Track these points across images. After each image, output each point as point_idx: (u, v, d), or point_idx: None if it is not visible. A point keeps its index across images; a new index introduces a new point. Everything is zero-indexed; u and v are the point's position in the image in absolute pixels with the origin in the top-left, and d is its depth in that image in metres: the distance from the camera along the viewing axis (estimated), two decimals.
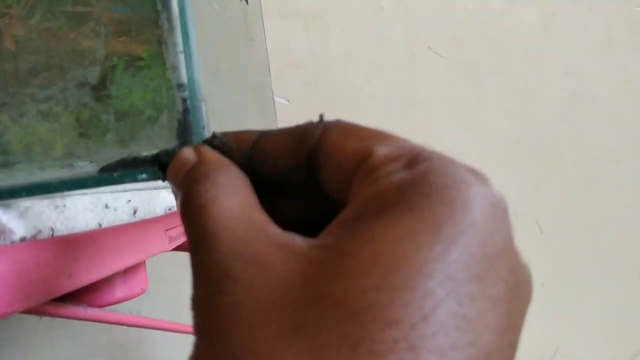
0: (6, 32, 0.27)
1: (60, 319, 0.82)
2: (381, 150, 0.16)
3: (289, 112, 0.84)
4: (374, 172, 0.16)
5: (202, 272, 0.18)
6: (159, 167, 0.23)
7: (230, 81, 0.33)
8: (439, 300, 0.13)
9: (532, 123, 0.86)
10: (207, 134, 0.23)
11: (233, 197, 0.18)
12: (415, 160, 0.16)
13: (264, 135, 0.20)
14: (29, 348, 0.82)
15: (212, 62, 0.28)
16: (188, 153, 0.21)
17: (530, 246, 0.86)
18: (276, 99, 0.84)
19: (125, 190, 0.41)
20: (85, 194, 0.33)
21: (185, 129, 0.23)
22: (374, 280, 0.13)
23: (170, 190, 0.56)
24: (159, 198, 0.49)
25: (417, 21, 0.86)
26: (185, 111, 0.23)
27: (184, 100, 0.23)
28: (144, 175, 0.23)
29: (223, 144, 0.22)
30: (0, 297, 0.21)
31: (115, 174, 0.23)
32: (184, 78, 0.23)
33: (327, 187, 0.19)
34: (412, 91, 0.85)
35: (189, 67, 0.24)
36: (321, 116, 0.20)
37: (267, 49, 0.57)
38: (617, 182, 0.87)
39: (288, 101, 0.84)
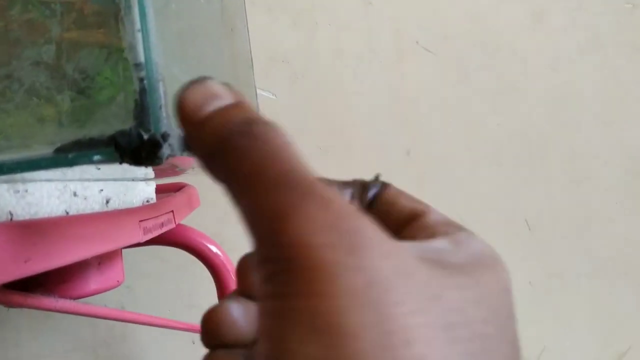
0: None
1: (41, 312, 0.82)
2: (434, 214, 0.22)
3: (276, 107, 0.83)
4: (431, 228, 0.21)
5: (308, 222, 0.15)
6: (115, 148, 0.22)
7: (201, 67, 0.32)
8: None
9: (520, 120, 0.86)
10: (165, 114, 0.23)
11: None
12: (461, 229, 0.21)
13: (335, 183, 0.24)
14: (9, 342, 0.81)
15: (177, 46, 0.27)
16: (219, 87, 0.19)
17: (518, 244, 0.86)
18: (263, 93, 0.83)
19: (97, 179, 0.40)
20: (51, 180, 0.32)
21: (142, 109, 0.23)
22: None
23: (149, 182, 0.55)
24: (136, 190, 0.48)
25: (405, 16, 0.85)
26: (143, 91, 0.23)
27: (141, 80, 0.23)
28: (99, 156, 0.23)
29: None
30: None
31: (70, 155, 0.23)
32: (141, 57, 0.23)
33: None
34: (400, 87, 0.85)
35: (146, 46, 0.23)
36: (377, 175, 0.25)
37: (249, 41, 0.56)
38: (605, 180, 0.86)
39: (275, 95, 0.84)
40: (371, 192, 0.24)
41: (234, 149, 0.17)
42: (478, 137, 0.86)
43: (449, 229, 0.20)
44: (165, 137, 0.22)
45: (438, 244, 0.19)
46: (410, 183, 0.85)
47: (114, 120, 0.23)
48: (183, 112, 0.19)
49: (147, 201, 0.50)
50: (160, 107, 0.23)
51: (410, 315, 0.14)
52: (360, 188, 0.24)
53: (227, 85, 0.20)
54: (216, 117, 0.18)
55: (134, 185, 0.48)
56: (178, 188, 0.64)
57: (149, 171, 0.47)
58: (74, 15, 0.24)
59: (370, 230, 0.15)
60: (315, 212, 0.15)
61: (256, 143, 0.17)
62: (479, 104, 0.86)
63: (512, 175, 0.86)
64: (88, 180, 0.38)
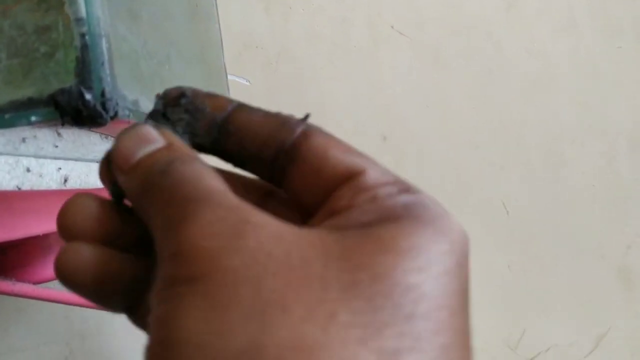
0: None
1: (13, 304, 0.80)
2: (374, 172, 0.18)
3: (250, 93, 0.82)
4: (372, 190, 0.18)
5: (208, 223, 0.16)
6: (55, 107, 0.21)
7: (155, 34, 0.31)
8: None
9: (496, 104, 0.86)
10: (109, 72, 0.22)
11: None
12: (408, 189, 0.18)
13: (241, 108, 0.20)
14: None
15: (124, 5, 0.26)
16: (150, 133, 0.19)
17: (496, 227, 0.85)
18: (237, 79, 0.82)
19: (56, 158, 0.39)
20: (1, 153, 0.31)
21: (83, 67, 0.21)
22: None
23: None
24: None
25: (380, 1, 0.84)
26: (84, 47, 0.22)
27: (82, 35, 0.22)
28: (37, 117, 0.21)
29: (192, 104, 0.19)
30: None
31: (7, 116, 0.22)
32: (83, 12, 0.22)
33: (292, 187, 0.19)
34: (376, 71, 0.84)
35: (89, 1, 0.22)
36: (307, 115, 0.19)
37: (219, 22, 0.55)
38: (581, 163, 0.87)
39: (249, 82, 0.82)
40: (294, 135, 0.19)
41: (152, 187, 0.17)
42: (454, 122, 0.85)
43: (393, 190, 0.18)
44: (106, 94, 0.21)
45: (363, 216, 0.17)
46: (387, 168, 0.84)
47: (54, 78, 0.22)
48: (115, 161, 0.19)
49: None
50: (103, 64, 0.21)
51: (287, 290, 0.14)
52: (280, 126, 0.19)
53: (158, 126, 0.19)
54: (143, 163, 0.18)
55: (96, 166, 0.46)
56: None
57: None
58: None
59: (258, 217, 0.16)
60: (207, 212, 0.16)
61: (170, 177, 0.17)
62: (455, 88, 0.85)
63: (489, 160, 0.86)
64: (44, 157, 0.36)
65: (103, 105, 0.21)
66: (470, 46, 0.85)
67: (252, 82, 0.82)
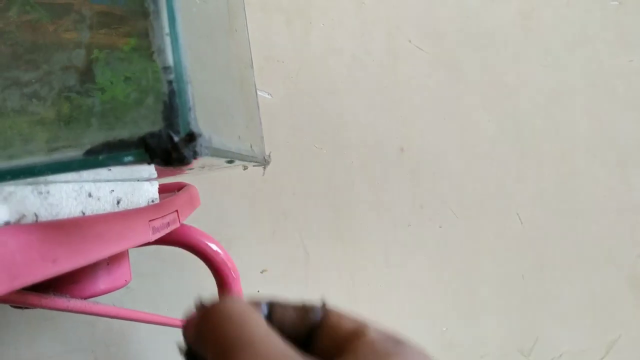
0: None
1: (40, 314, 0.82)
2: (373, 332, 0.25)
3: (271, 106, 0.84)
4: (371, 345, 0.24)
5: None
6: (145, 149, 0.23)
7: (213, 69, 0.33)
8: None
9: (511, 116, 0.87)
10: (194, 117, 0.23)
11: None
12: (398, 342, 0.24)
13: (275, 308, 0.28)
14: (7, 344, 0.81)
15: (196, 47, 0.28)
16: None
17: (510, 237, 0.87)
18: (259, 92, 0.83)
19: (108, 180, 0.41)
20: (69, 181, 0.33)
21: (171, 111, 0.23)
22: None
23: (152, 182, 0.55)
24: (141, 190, 0.49)
25: (398, 15, 0.86)
26: (171, 93, 0.23)
27: (170, 82, 0.23)
28: (130, 158, 0.23)
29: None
30: None
31: (100, 157, 0.23)
32: (170, 60, 0.23)
33: (319, 349, 0.26)
34: (394, 85, 0.86)
35: (175, 49, 0.24)
36: (324, 303, 0.28)
37: (249, 42, 0.57)
38: (594, 175, 0.88)
39: (270, 95, 0.84)
40: (315, 316, 0.27)
41: (204, 332, 0.24)
42: (470, 134, 0.87)
43: (388, 345, 0.24)
44: (194, 138, 0.23)
45: None
46: (404, 180, 0.86)
47: (143, 122, 0.24)
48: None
49: (152, 201, 0.51)
50: (190, 109, 0.23)
51: None
52: (303, 312, 0.27)
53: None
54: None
55: (139, 186, 0.48)
56: (179, 187, 0.64)
57: (152, 171, 0.48)
58: (103, 19, 0.24)
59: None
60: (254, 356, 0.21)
61: (218, 320, 0.24)
62: (471, 100, 0.87)
63: (504, 170, 0.88)
64: (100, 181, 0.38)
65: (189, 147, 0.23)
66: (486, 59, 0.87)
67: (274, 95, 0.84)
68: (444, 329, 0.88)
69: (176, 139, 0.23)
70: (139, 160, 0.23)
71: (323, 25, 0.85)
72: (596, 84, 0.89)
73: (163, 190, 0.61)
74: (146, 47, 0.24)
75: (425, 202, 0.87)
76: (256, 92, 0.58)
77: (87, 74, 0.24)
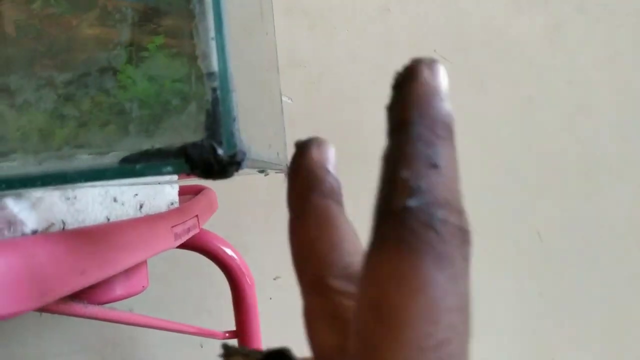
0: (6, 16, 0.26)
1: (47, 314, 0.80)
2: None
3: (292, 111, 0.83)
4: None
5: None
6: (185, 160, 0.22)
7: (250, 74, 0.32)
8: None
9: (534, 131, 0.86)
10: (237, 128, 0.22)
11: None
12: None
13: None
14: (15, 342, 0.80)
15: (237, 52, 0.27)
16: None
17: (530, 255, 0.85)
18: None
19: (132, 184, 0.40)
20: (95, 185, 0.32)
21: (214, 121, 0.22)
22: None
23: (173, 185, 0.54)
24: (163, 193, 0.47)
25: (423, 24, 0.85)
26: (215, 101, 0.22)
27: (214, 90, 0.22)
28: (169, 168, 0.22)
29: None
30: (13, 294, 0.19)
31: (137, 166, 0.22)
32: (215, 66, 0.22)
33: None
34: None
35: (221, 55, 0.22)
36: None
37: (276, 45, 0.55)
38: (617, 194, 0.86)
39: (291, 100, 0.83)
40: None
41: None
42: (493, 147, 0.85)
43: None
44: (241, 153, 0.22)
45: None
46: None
47: (184, 130, 0.22)
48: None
49: (172, 204, 0.49)
50: (234, 120, 0.22)
51: None
52: None
53: None
54: None
55: (161, 189, 0.47)
56: (197, 191, 0.63)
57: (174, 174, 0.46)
58: (141, 16, 0.23)
59: None
60: None
61: None
62: (495, 114, 0.85)
63: (525, 186, 0.86)
64: (124, 184, 0.37)
65: (231, 159, 0.22)
66: (512, 73, 0.86)
67: (294, 100, 0.83)
68: None
69: (220, 151, 0.21)
70: (178, 171, 0.22)
71: (347, 31, 0.84)
72: (623, 103, 0.87)
73: (181, 192, 0.60)
74: (189, 49, 0.23)
75: None
76: (281, 97, 0.56)
77: (126, 77, 0.23)
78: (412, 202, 0.19)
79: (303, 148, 0.26)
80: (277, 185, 0.83)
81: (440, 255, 0.17)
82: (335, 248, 0.24)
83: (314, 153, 0.27)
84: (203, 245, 0.64)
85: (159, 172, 0.22)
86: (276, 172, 0.53)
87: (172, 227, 0.41)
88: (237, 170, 0.22)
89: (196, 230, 0.50)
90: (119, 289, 0.44)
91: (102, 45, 0.24)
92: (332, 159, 0.27)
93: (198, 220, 0.51)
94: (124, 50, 0.23)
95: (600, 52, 0.86)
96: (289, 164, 0.31)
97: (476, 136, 0.85)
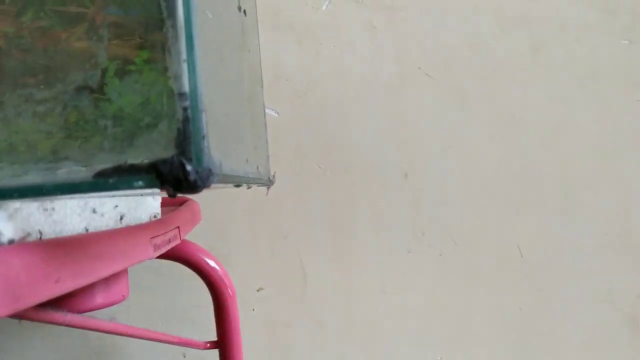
0: None
1: (32, 323, 0.81)
2: None
3: (278, 124, 0.84)
4: None
5: None
6: (156, 175, 0.23)
7: (227, 92, 0.33)
8: None
9: (516, 148, 0.87)
10: (207, 145, 0.23)
11: None
12: None
13: None
14: None
15: (211, 71, 0.28)
16: None
17: (510, 269, 0.87)
18: (266, 110, 0.84)
19: (113, 196, 0.41)
20: (73, 197, 0.33)
21: (184, 139, 0.23)
22: None
23: (155, 197, 0.55)
24: (144, 204, 0.48)
25: (408, 42, 0.87)
26: (186, 120, 0.23)
27: (185, 109, 0.23)
28: (140, 183, 0.23)
29: None
30: None
31: (110, 180, 0.23)
32: (186, 87, 0.23)
33: None
34: (401, 110, 0.86)
35: (192, 76, 0.23)
36: None
37: (260, 60, 0.57)
38: (597, 212, 0.88)
39: (277, 113, 0.84)
40: None
41: None
42: (474, 163, 0.87)
43: None
44: (204, 166, 0.23)
45: None
46: (406, 205, 0.86)
47: (156, 147, 0.23)
48: None
49: (155, 216, 0.50)
50: (203, 138, 0.23)
51: None
52: None
53: None
54: None
55: (143, 200, 0.48)
56: (181, 202, 0.64)
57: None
58: (112, 40, 0.24)
59: None
60: None
61: None
62: (477, 130, 0.87)
63: (506, 202, 0.87)
64: (104, 196, 0.38)
65: (200, 175, 0.23)
66: (495, 91, 0.87)
67: (281, 114, 0.84)
68: (439, 358, 0.87)
69: (188, 167, 0.23)
70: (149, 186, 0.23)
71: (334, 47, 0.85)
72: (602, 121, 0.89)
73: (165, 203, 0.60)
74: (161, 69, 0.24)
75: (426, 229, 0.86)
76: (264, 111, 0.57)
77: (100, 93, 0.24)
78: None
79: None
80: (261, 197, 0.84)
81: None
82: None
83: None
84: (185, 256, 0.65)
85: (131, 187, 0.23)
86: (258, 186, 0.54)
87: (152, 238, 0.42)
88: (206, 185, 0.23)
89: (177, 241, 0.51)
90: (99, 298, 0.45)
91: (88, 58, 0.25)
92: None
93: (179, 232, 0.52)
94: (110, 63, 0.25)
95: (580, 71, 0.88)
96: (271, 176, 0.32)
97: (458, 152, 0.87)
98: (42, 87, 0.25)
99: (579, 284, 0.88)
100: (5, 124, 0.25)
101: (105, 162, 0.23)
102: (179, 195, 0.28)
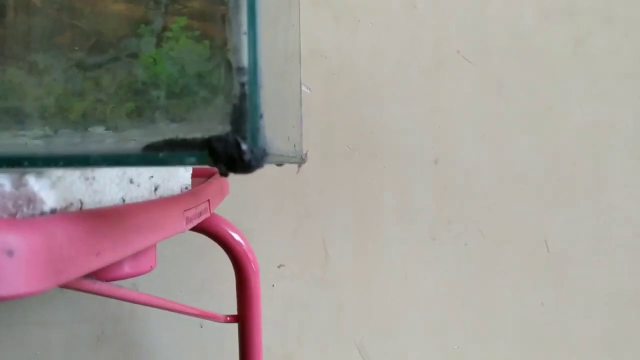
0: None
1: None
2: None
3: (310, 101, 0.82)
4: None
5: None
6: (209, 152, 0.22)
7: (277, 67, 0.32)
8: None
9: (550, 142, 0.85)
10: (263, 125, 0.22)
11: None
12: None
13: None
14: (15, 305, 0.81)
15: (267, 46, 0.26)
16: None
17: (535, 263, 0.85)
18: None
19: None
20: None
21: (240, 115, 0.22)
22: None
23: (187, 168, 0.55)
24: (177, 176, 0.47)
25: (449, 24, 0.84)
26: (243, 97, 0.22)
27: (242, 85, 0.22)
28: (192, 159, 0.22)
29: None
30: (31, 273, 0.19)
31: (160, 154, 0.22)
32: (245, 61, 0.22)
33: None
34: (436, 94, 0.84)
35: (251, 50, 0.22)
36: None
37: (300, 36, 0.55)
38: (628, 212, 0.86)
39: (310, 90, 0.83)
40: None
41: None
42: (507, 154, 0.85)
43: None
44: (260, 146, 0.22)
45: None
46: (434, 192, 0.84)
47: (209, 122, 0.22)
48: None
49: (186, 187, 0.50)
50: (261, 116, 0.22)
51: None
52: None
53: None
54: None
55: (175, 172, 0.47)
56: (210, 174, 0.63)
57: None
58: (178, 10, 0.23)
59: None
60: None
61: None
62: (512, 120, 0.85)
63: (537, 196, 0.85)
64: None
65: (255, 156, 0.22)
66: (533, 81, 0.85)
67: (313, 91, 0.83)
68: (456, 347, 0.86)
69: (244, 146, 0.21)
70: (201, 163, 0.22)
71: (371, 25, 0.83)
72: None
73: (194, 174, 0.60)
74: (220, 42, 0.23)
75: (453, 218, 0.85)
76: (301, 88, 0.56)
77: (155, 65, 0.23)
78: None
79: None
80: (288, 175, 0.83)
81: None
82: None
83: None
84: (211, 229, 0.64)
85: (182, 163, 0.22)
86: (291, 164, 0.53)
87: (185, 211, 0.41)
88: (260, 166, 0.22)
89: (207, 215, 0.50)
90: (127, 268, 0.44)
91: (126, 22, 0.24)
92: None
93: (209, 205, 0.52)
94: (147, 29, 0.23)
95: (624, 66, 0.85)
96: (304, 155, 0.31)
97: (491, 141, 0.85)
98: (83, 44, 0.24)
99: (604, 283, 0.86)
100: (42, 83, 0.24)
101: (158, 135, 0.22)
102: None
